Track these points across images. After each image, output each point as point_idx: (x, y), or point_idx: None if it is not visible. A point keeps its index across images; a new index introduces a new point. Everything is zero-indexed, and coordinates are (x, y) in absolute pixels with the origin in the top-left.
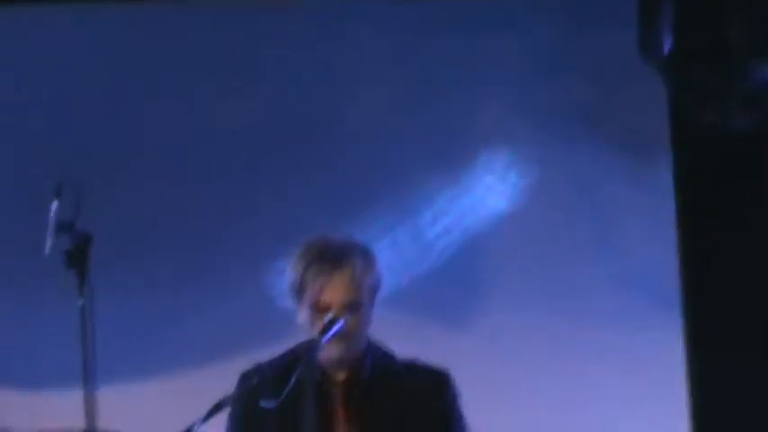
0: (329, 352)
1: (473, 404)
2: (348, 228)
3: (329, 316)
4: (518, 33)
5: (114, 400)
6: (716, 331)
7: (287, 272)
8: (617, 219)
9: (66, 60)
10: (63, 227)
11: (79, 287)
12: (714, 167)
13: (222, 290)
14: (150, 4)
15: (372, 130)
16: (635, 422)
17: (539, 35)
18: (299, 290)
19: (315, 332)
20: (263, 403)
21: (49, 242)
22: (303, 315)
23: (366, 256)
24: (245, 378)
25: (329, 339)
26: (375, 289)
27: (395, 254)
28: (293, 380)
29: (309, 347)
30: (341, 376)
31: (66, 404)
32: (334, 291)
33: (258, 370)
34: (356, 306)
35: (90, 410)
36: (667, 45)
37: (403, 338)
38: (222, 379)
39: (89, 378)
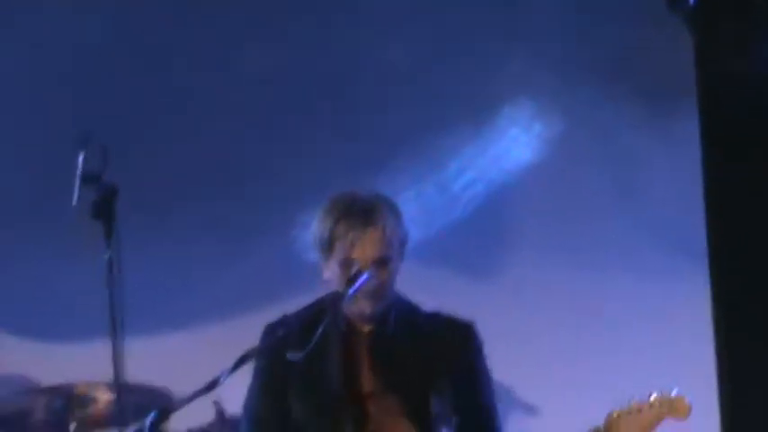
0: (358, 307)
1: (497, 356)
2: (373, 179)
3: (355, 268)
4: None
5: (141, 351)
6: (742, 281)
7: (313, 226)
8: (642, 170)
9: (94, 14)
10: (90, 178)
11: (106, 239)
12: (740, 116)
13: (248, 242)
14: None
15: (397, 83)
16: (660, 373)
17: None
18: (328, 245)
19: (341, 286)
20: (289, 355)
21: (76, 193)
22: (330, 270)
23: (394, 211)
24: (270, 330)
25: (355, 291)
26: (403, 244)
27: (420, 206)
28: (319, 331)
29: (335, 299)
30: (366, 328)
31: (93, 355)
32: (366, 247)
33: (284, 322)
34: (385, 261)
35: (117, 362)
36: None
37: (427, 291)
38: (248, 330)
39: (116, 329)
